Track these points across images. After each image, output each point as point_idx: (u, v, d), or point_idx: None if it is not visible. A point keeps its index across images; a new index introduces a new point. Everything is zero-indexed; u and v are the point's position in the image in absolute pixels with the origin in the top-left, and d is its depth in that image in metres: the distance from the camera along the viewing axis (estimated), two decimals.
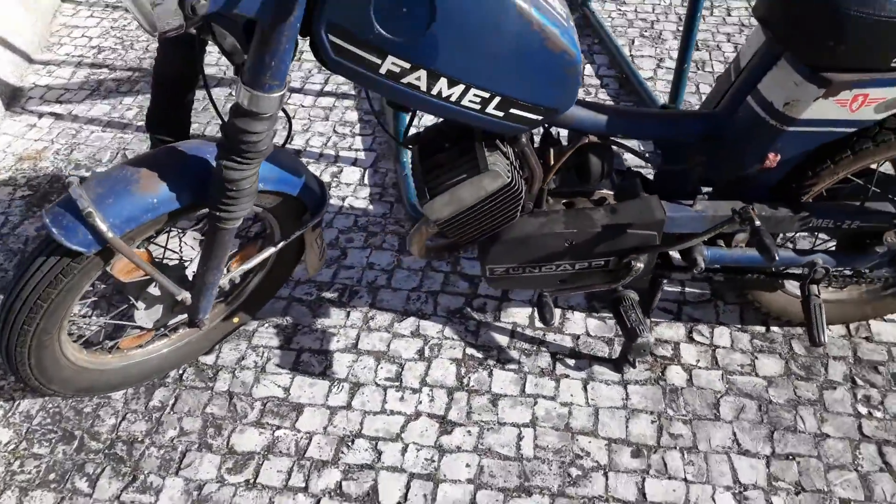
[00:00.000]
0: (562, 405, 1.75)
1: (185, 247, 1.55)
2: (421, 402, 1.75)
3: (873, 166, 1.53)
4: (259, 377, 1.80)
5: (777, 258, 1.31)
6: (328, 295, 2.01)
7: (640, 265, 1.51)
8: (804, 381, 1.80)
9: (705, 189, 1.61)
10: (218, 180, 1.26)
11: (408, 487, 1.59)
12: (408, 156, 2.42)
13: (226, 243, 1.38)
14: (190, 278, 1.53)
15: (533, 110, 1.27)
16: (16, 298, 1.30)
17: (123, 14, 3.29)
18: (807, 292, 1.62)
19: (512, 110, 1.26)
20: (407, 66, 1.15)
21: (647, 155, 1.53)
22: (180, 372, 1.80)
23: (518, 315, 1.96)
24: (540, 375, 1.81)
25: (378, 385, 1.79)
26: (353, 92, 2.79)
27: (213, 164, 1.34)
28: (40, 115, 2.64)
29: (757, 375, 1.81)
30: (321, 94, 2.79)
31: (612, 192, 1.59)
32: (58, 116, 2.64)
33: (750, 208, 1.34)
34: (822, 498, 1.57)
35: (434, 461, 1.64)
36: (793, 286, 1.83)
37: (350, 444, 1.67)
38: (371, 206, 2.30)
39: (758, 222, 1.33)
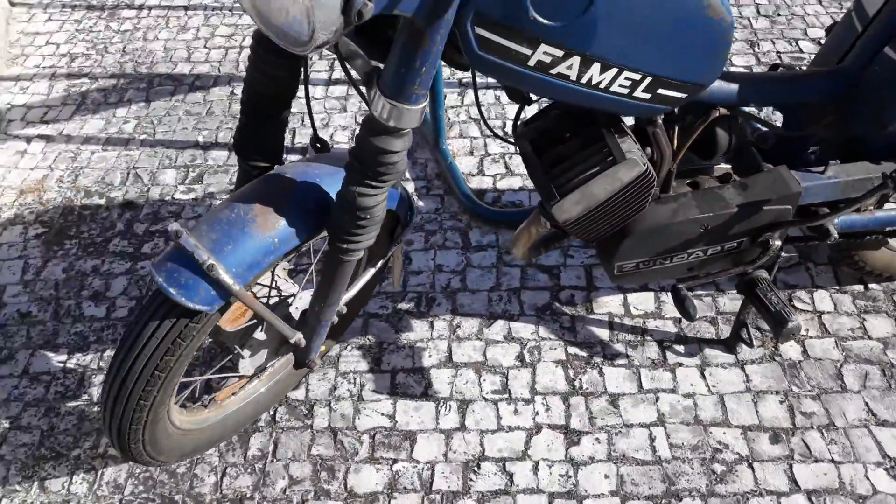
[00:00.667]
0: (684, 397, 1.65)
1: (280, 280, 1.37)
2: (538, 414, 1.63)
3: None
4: (358, 407, 1.64)
5: None
6: (404, 306, 1.85)
7: (779, 243, 1.40)
8: None
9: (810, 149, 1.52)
10: (346, 208, 1.09)
11: None
12: (447, 143, 2.25)
13: (347, 275, 1.21)
14: (294, 316, 1.36)
15: (681, 88, 1.14)
16: (129, 372, 1.11)
17: (87, 13, 2.97)
18: None
19: (660, 90, 1.13)
20: (560, 53, 1.02)
21: (774, 122, 1.42)
22: (271, 413, 1.62)
23: (611, 304, 1.84)
24: (653, 368, 1.71)
25: (487, 400, 1.65)
26: None
27: (327, 189, 1.17)
28: (28, 140, 2.35)
29: (870, 338, 1.75)
30: (330, 82, 2.57)
31: (729, 167, 1.48)
32: (49, 139, 2.36)
33: None
34: None
35: (570, 476, 1.52)
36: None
37: (476, 469, 1.53)
38: (421, 203, 2.13)
39: None
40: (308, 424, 1.61)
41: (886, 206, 1.56)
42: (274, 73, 1.14)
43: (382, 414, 1.63)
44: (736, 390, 1.66)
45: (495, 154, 2.24)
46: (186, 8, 2.92)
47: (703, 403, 1.64)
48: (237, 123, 1.23)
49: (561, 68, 1.04)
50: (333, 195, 1.16)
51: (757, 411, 1.62)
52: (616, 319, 1.81)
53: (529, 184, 2.13)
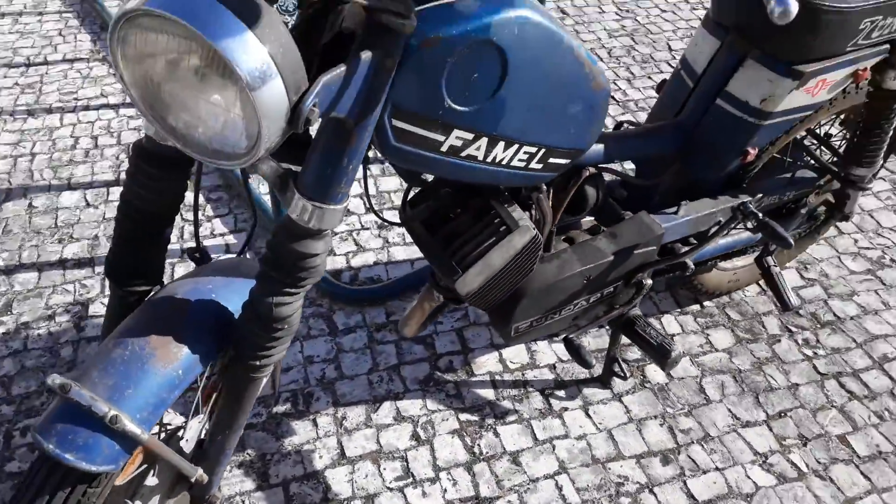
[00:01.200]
0: (577, 439, 1.70)
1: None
2: (446, 491, 1.58)
3: None
4: None
5: (792, 242, 1.39)
6: (280, 409, 1.73)
7: (649, 281, 1.51)
8: (754, 343, 1.95)
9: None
10: (259, 321, 1.00)
11: None
12: None
13: (255, 395, 1.10)
14: (186, 449, 1.20)
15: (567, 155, 1.21)
16: None
17: None
18: (766, 265, 1.75)
19: (550, 159, 1.19)
20: (470, 136, 1.04)
21: (630, 174, 1.54)
22: None
23: (488, 362, 1.86)
24: (542, 417, 1.74)
25: (391, 489, 1.58)
26: None
27: (224, 303, 1.07)
28: None
29: (717, 351, 1.93)
30: None
31: (592, 219, 1.57)
32: None
33: (749, 203, 1.41)
34: (825, 441, 1.72)
35: None
36: (723, 263, 1.97)
37: None
38: None
39: (761, 214, 1.40)
40: None
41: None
42: (158, 187, 1.03)
43: None
44: (620, 423, 1.74)
45: (342, 232, 2.20)
46: None
47: (596, 442, 1.70)
48: (111, 247, 1.08)
49: (471, 150, 1.06)
50: (232, 309, 1.06)
51: (643, 438, 1.71)
52: (497, 377, 1.83)
53: (383, 257, 2.11)
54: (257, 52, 0.74)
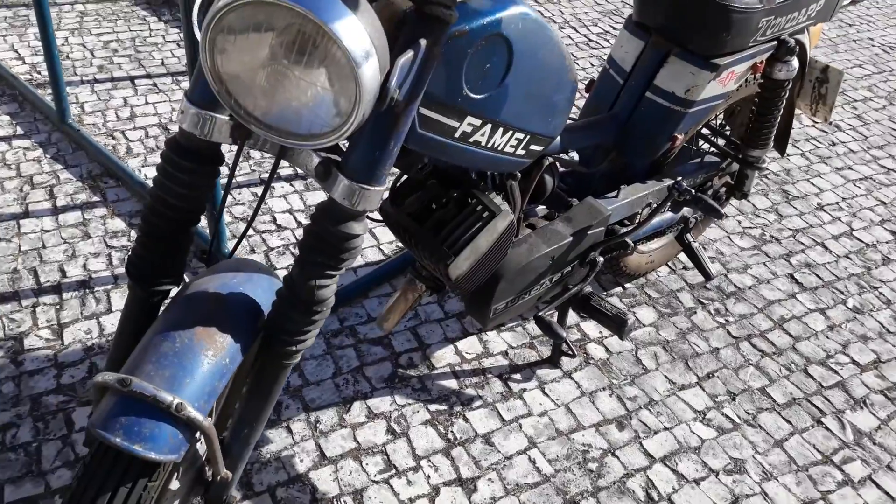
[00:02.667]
0: (539, 416, 1.82)
1: None
2: (429, 477, 1.65)
3: None
4: None
5: (724, 213, 1.59)
6: None
7: (601, 259, 1.67)
8: (675, 316, 2.17)
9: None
10: (299, 306, 1.04)
11: None
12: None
13: (283, 383, 1.13)
14: (199, 450, 1.20)
15: (542, 142, 1.33)
16: None
17: None
18: (686, 241, 1.96)
19: (531, 146, 1.30)
20: (478, 123, 1.14)
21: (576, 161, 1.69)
22: None
23: (446, 355, 1.94)
24: (504, 400, 1.85)
25: (377, 482, 1.62)
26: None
27: (252, 295, 1.09)
28: None
29: (645, 325, 2.12)
30: (57, 209, 2.27)
31: (542, 206, 1.71)
32: None
33: (682, 182, 1.60)
34: (749, 395, 1.95)
35: None
36: (641, 246, 2.17)
37: None
38: None
39: (693, 191, 1.59)
40: None
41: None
42: (189, 181, 1.03)
43: None
44: (575, 397, 1.88)
45: (278, 247, 2.21)
46: None
47: (556, 416, 1.82)
48: (135, 247, 1.07)
49: (477, 136, 1.16)
50: (259, 300, 1.09)
51: (597, 408, 1.86)
52: (457, 368, 1.91)
53: None
54: (360, 33, 0.80)
